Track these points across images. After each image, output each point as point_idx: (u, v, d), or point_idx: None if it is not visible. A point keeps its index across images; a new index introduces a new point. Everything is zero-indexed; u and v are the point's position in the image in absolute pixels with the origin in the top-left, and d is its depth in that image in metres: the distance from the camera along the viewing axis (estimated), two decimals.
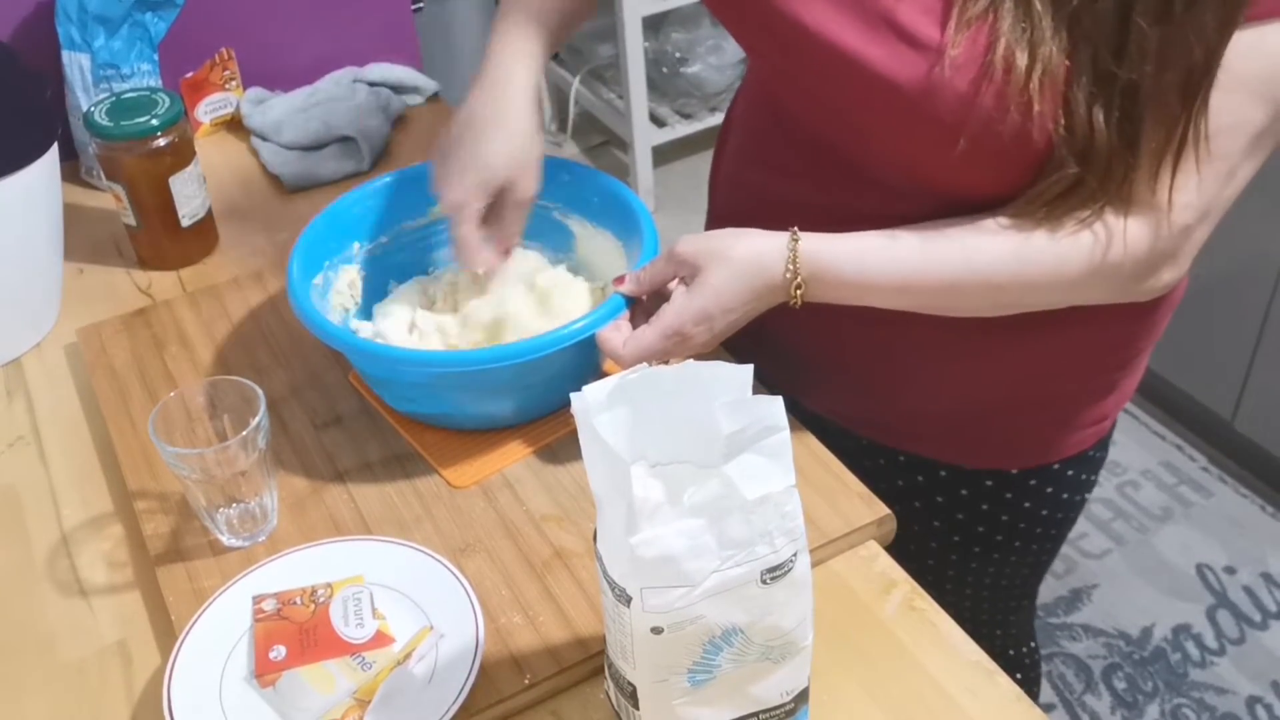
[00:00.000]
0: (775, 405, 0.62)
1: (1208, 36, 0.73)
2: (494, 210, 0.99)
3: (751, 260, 0.86)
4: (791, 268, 0.85)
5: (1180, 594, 2.01)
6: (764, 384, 1.02)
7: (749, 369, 0.65)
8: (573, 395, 0.64)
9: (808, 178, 0.96)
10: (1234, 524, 2.13)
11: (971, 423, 1.03)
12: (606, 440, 0.61)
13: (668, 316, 0.88)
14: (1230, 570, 2.05)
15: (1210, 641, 1.94)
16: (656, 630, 0.65)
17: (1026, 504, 1.08)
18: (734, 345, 1.04)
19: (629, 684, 0.70)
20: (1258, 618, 1.97)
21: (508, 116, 0.96)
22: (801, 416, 1.00)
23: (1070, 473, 1.07)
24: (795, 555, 0.65)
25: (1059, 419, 1.03)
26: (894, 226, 0.86)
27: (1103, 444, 1.09)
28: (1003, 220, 0.83)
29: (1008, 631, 1.25)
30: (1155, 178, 0.79)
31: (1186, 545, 2.10)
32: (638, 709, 0.70)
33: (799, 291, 0.85)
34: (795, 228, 0.86)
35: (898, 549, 0.93)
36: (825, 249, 0.86)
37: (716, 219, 1.11)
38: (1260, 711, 1.83)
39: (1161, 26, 0.73)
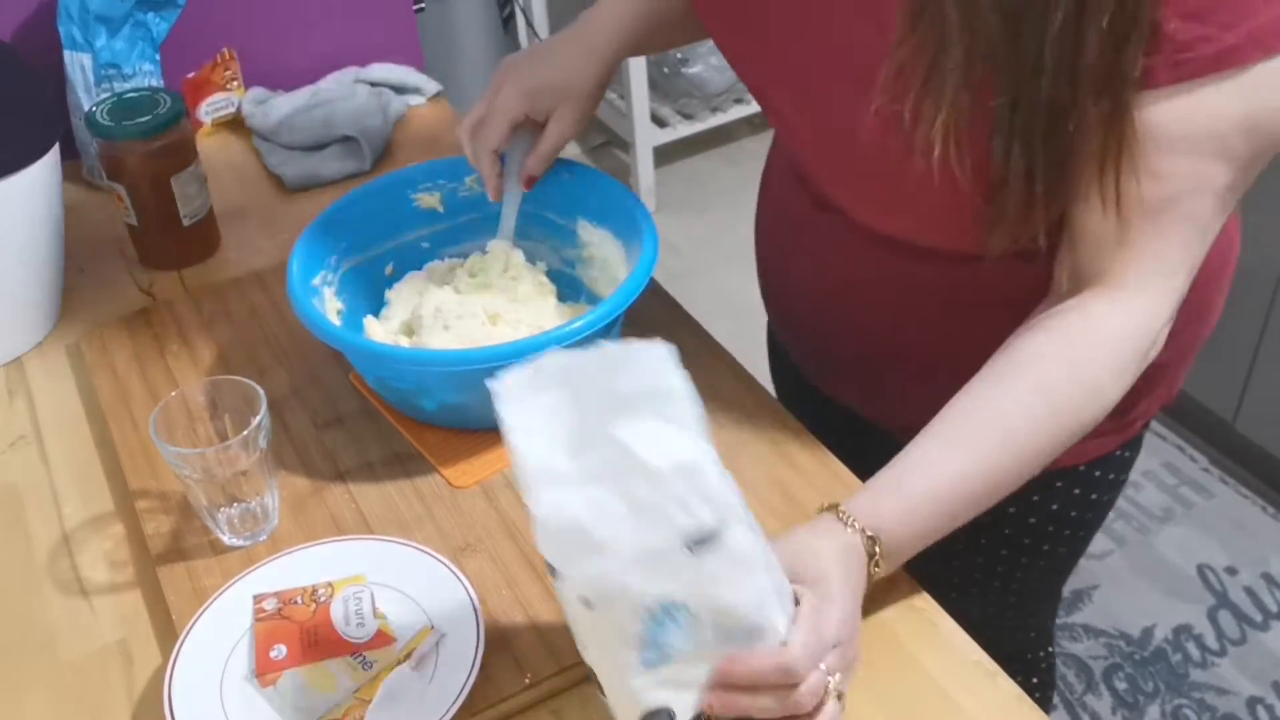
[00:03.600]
0: (672, 373, 0.63)
1: (1102, 31, 0.71)
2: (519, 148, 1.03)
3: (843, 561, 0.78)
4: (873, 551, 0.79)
5: (1181, 594, 2.01)
6: (787, 364, 1.02)
7: (669, 349, 0.64)
8: (487, 383, 0.65)
9: (819, 223, 0.98)
10: (1235, 525, 2.13)
11: None
12: (510, 425, 0.64)
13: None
14: (1231, 571, 2.05)
15: (1211, 642, 1.94)
16: (586, 602, 0.66)
17: (1053, 505, 1.07)
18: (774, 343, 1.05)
19: (590, 668, 0.70)
20: (1259, 618, 1.97)
21: (580, 51, 1.00)
22: (820, 402, 1.00)
23: (1097, 474, 1.06)
24: (723, 525, 0.64)
25: None
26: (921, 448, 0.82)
27: (1131, 444, 1.07)
28: (1024, 375, 0.81)
29: (1028, 635, 1.24)
30: (1128, 241, 0.77)
31: (1187, 546, 2.10)
32: (604, 694, 0.70)
33: (877, 551, 0.79)
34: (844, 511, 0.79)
35: (922, 552, 0.92)
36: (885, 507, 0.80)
37: (762, 237, 1.13)
38: (1261, 712, 1.83)
39: (1048, 26, 0.71)
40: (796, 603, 0.70)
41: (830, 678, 0.70)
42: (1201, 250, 0.80)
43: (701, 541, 0.63)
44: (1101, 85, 0.72)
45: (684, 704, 0.68)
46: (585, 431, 0.63)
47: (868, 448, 0.96)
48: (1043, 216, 0.79)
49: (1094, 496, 1.08)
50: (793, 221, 1.05)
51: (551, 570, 0.66)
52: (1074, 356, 0.80)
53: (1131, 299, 0.79)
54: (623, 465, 0.62)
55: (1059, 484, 1.06)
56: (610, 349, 0.64)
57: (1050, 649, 1.30)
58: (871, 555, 0.76)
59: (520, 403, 0.65)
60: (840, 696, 0.71)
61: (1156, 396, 1.04)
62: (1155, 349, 0.82)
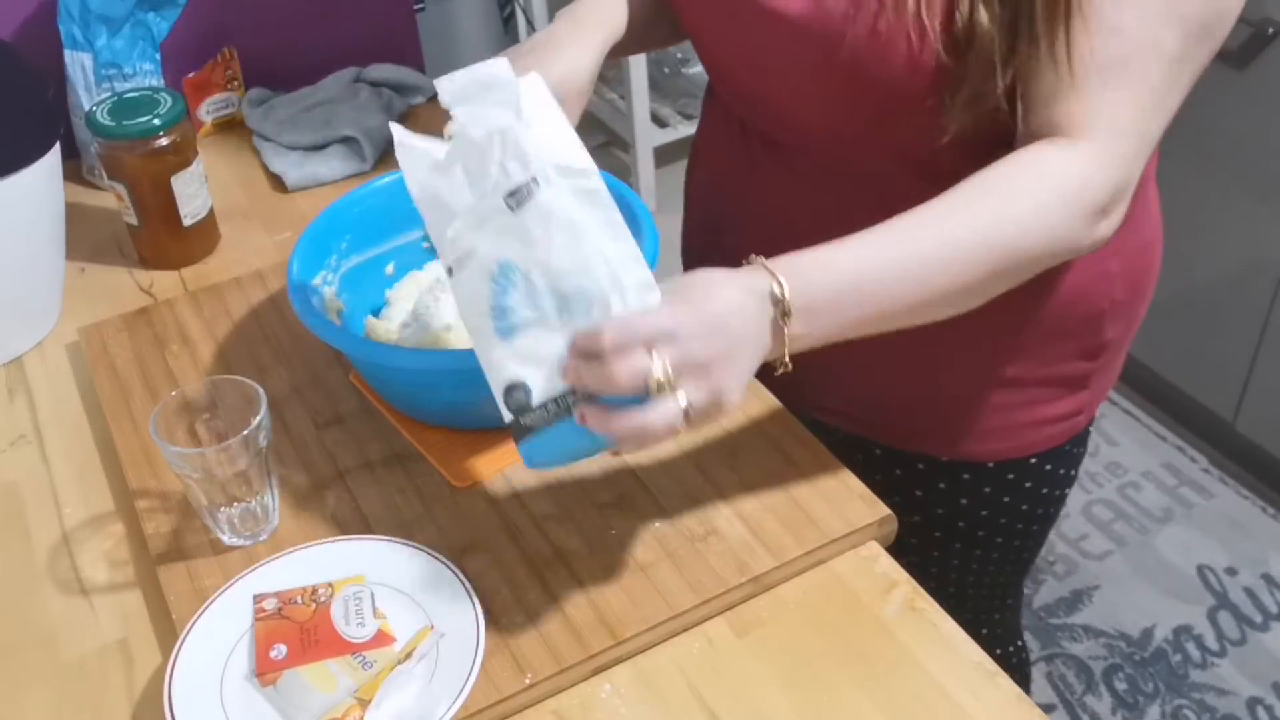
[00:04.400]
0: (505, 69, 0.75)
1: None
2: None
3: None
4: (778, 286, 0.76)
5: (1181, 595, 2.01)
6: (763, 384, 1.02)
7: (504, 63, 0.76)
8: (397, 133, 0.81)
9: (761, 170, 0.99)
10: (1235, 525, 2.13)
11: (941, 412, 1.03)
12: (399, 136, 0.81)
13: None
14: (1231, 571, 2.05)
15: (1211, 643, 1.94)
16: (449, 270, 0.77)
17: (1005, 498, 1.08)
18: None
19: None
20: (1259, 619, 1.97)
21: (579, 44, 0.98)
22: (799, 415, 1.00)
23: (1048, 467, 1.08)
24: (533, 181, 0.72)
25: (1030, 409, 1.03)
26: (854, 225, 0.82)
27: (1079, 439, 1.09)
28: (955, 192, 0.81)
29: (993, 631, 1.25)
30: (1078, 87, 0.79)
31: (1187, 546, 2.10)
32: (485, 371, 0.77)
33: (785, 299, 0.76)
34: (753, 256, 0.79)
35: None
36: (809, 260, 0.79)
37: (693, 229, 1.13)
38: (1261, 713, 1.83)
39: None
40: None
41: (659, 364, 0.68)
42: (1155, 123, 0.81)
43: (516, 196, 0.73)
44: None
45: (538, 379, 0.73)
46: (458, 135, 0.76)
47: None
48: (1001, 73, 0.80)
49: (1045, 490, 1.10)
50: (733, 183, 1.05)
51: (435, 250, 0.80)
52: (1017, 174, 0.80)
53: (1081, 147, 0.80)
54: (461, 144, 0.75)
55: (1010, 476, 1.07)
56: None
57: (1019, 643, 1.31)
58: (778, 302, 0.73)
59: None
60: (688, 408, 0.69)
61: (1106, 374, 1.05)
62: (1106, 220, 0.82)
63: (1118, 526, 2.14)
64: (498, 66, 0.75)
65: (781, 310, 0.74)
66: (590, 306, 0.72)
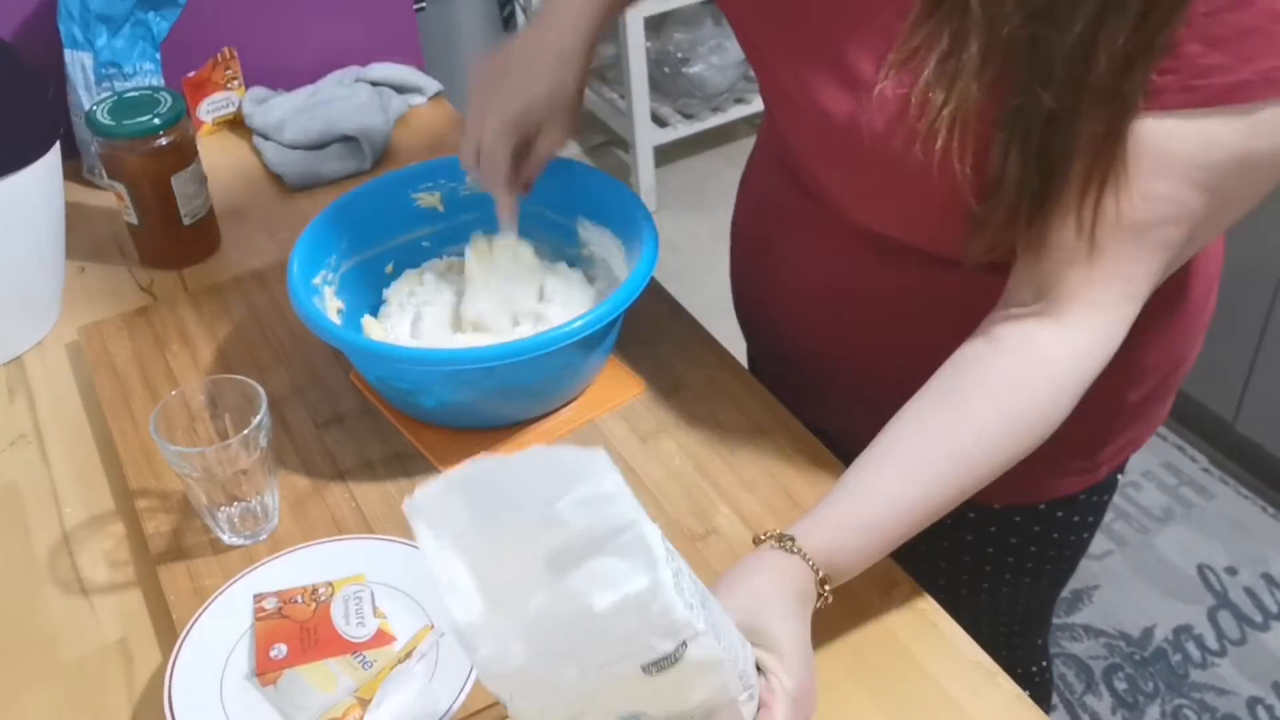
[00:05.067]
0: (624, 502, 0.56)
1: (1115, 50, 0.70)
2: (515, 157, 1.00)
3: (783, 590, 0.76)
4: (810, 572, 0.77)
5: (1181, 595, 2.01)
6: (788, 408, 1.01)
7: (601, 455, 0.57)
8: (405, 502, 0.59)
9: (804, 218, 0.98)
10: (1235, 525, 2.13)
11: None
12: (429, 553, 0.57)
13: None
14: (1231, 571, 2.05)
15: (1211, 642, 1.94)
16: None
17: (1012, 539, 1.07)
18: (755, 368, 1.04)
19: None
20: (1259, 619, 1.97)
21: (553, 59, 0.97)
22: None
23: (1060, 514, 1.05)
24: (682, 646, 0.58)
25: (1041, 461, 0.92)
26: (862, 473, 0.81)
27: (1096, 489, 1.06)
28: (975, 404, 0.79)
29: (1014, 652, 1.23)
30: (1079, 210, 0.76)
31: (1187, 546, 2.09)
32: None
33: (826, 590, 0.78)
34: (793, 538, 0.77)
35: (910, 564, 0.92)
36: (829, 539, 0.78)
37: (739, 238, 1.13)
38: (1261, 712, 1.83)
39: (1080, 49, 0.70)
40: (758, 669, 0.68)
41: None
42: (1169, 269, 0.79)
43: (659, 664, 0.59)
44: (1104, 101, 0.71)
45: None
46: (514, 556, 0.57)
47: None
48: (1025, 226, 0.77)
49: (1055, 536, 1.08)
50: (774, 213, 1.04)
51: (498, 699, 0.61)
52: (1028, 378, 0.78)
53: (1092, 319, 0.78)
54: (567, 613, 0.56)
55: (1016, 519, 1.05)
56: (538, 454, 0.58)
57: (1044, 663, 1.29)
58: (820, 595, 0.75)
59: (437, 522, 0.59)
60: None
61: (1124, 437, 1.02)
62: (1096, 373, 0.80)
63: (1118, 526, 2.14)
64: (620, 498, 0.56)
65: (822, 599, 0.75)
66: (710, 717, 0.64)
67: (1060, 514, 1.06)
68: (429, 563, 0.58)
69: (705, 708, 0.63)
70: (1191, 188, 0.73)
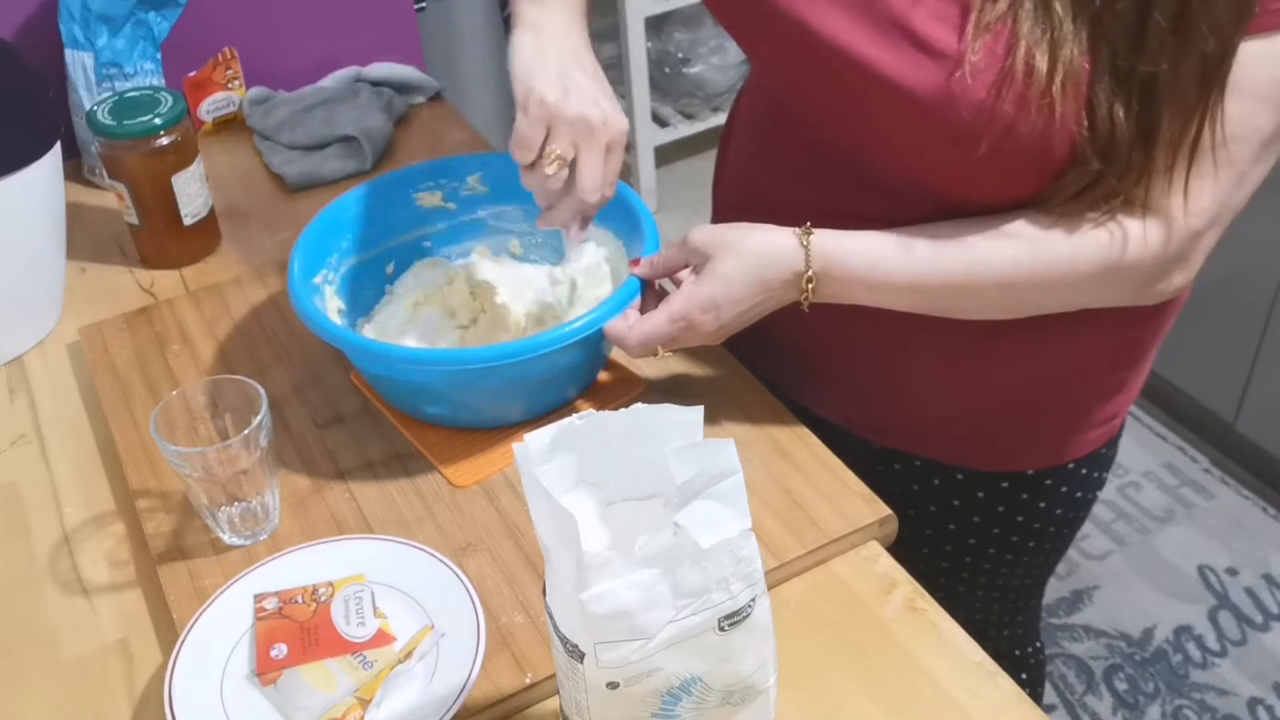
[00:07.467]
0: (727, 449, 0.60)
1: (1222, 28, 0.74)
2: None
3: (762, 252, 0.87)
4: (803, 262, 0.85)
5: (1182, 595, 2.01)
6: (774, 392, 1.02)
7: (699, 411, 0.62)
8: (515, 446, 0.62)
9: (809, 179, 0.96)
10: (1236, 525, 2.13)
11: (984, 425, 1.03)
12: (551, 492, 0.59)
13: (676, 302, 0.89)
14: (1232, 572, 2.05)
15: (1211, 643, 1.94)
16: (613, 685, 0.63)
17: (1041, 504, 1.08)
18: (742, 352, 1.04)
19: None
20: (1259, 619, 1.97)
21: (580, 57, 0.92)
22: (811, 423, 1.00)
23: (1084, 471, 1.07)
24: (754, 600, 0.62)
25: (1071, 418, 1.03)
26: (902, 228, 0.86)
27: (1113, 442, 1.09)
28: (1018, 223, 0.84)
29: (1014, 632, 1.25)
30: (1171, 173, 0.79)
31: (1188, 546, 2.09)
32: None
33: (810, 286, 0.86)
34: (809, 223, 0.86)
35: (911, 552, 0.92)
36: (837, 245, 0.86)
37: (720, 218, 1.11)
38: (1261, 713, 1.83)
39: (1178, 20, 0.74)
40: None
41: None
42: (1236, 198, 0.82)
43: (733, 618, 0.62)
44: (1200, 61, 0.75)
45: None
46: (622, 498, 0.63)
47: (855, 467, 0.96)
48: (1139, 170, 0.79)
49: (1080, 494, 1.10)
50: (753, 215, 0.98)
51: (575, 653, 0.63)
52: (1062, 224, 0.82)
53: (1149, 226, 0.81)
54: (674, 549, 0.59)
55: (1048, 482, 1.06)
56: (642, 410, 0.63)
57: (1038, 644, 1.31)
58: (803, 291, 0.85)
59: (545, 464, 0.62)
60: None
61: (1137, 383, 1.05)
62: (1168, 284, 0.85)
63: (1118, 526, 2.14)
64: (723, 446, 0.60)
65: (806, 277, 0.84)
66: (748, 699, 0.67)
67: (1085, 470, 1.07)
68: (550, 502, 0.59)
69: (747, 683, 0.66)
70: (1262, 104, 0.77)
